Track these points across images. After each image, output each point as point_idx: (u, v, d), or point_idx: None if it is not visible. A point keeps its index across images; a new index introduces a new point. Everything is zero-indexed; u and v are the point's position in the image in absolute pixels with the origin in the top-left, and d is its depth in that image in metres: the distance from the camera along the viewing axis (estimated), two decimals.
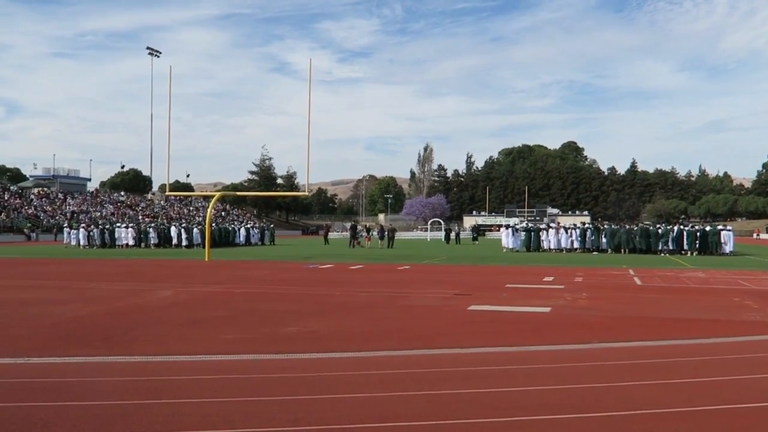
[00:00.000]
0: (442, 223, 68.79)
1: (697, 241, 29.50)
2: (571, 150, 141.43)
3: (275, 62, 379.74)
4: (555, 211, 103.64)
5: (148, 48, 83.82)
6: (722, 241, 29.26)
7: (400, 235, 50.87)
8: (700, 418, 4.57)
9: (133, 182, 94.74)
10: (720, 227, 31.31)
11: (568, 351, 7.14)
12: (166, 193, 34.65)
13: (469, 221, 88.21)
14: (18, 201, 63.24)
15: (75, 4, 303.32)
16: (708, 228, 31.02)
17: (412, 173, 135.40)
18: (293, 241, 54.66)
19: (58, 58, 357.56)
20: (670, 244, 29.65)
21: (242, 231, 43.91)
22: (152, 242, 37.94)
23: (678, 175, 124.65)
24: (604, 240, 31.32)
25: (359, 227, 44.76)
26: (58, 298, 12.11)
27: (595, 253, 30.63)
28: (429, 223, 70.28)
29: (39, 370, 6.10)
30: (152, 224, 41.47)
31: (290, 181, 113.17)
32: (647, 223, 41.66)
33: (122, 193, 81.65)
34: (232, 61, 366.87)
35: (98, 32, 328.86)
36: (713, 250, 29.06)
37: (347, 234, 44.33)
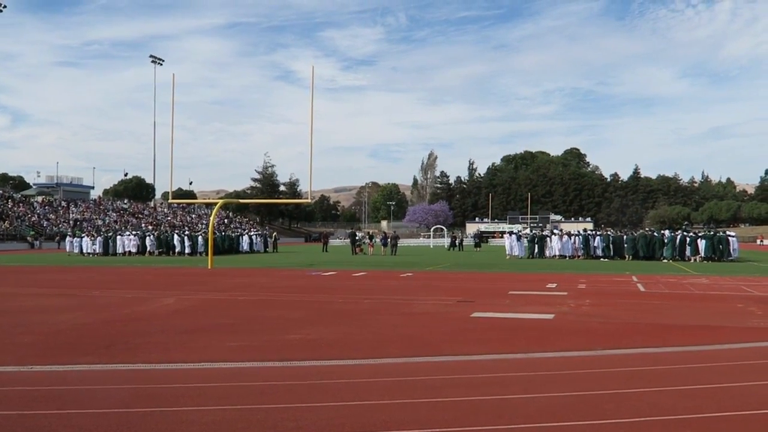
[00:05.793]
0: (445, 229, 68.72)
1: (702, 245, 29.37)
2: (574, 156, 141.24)
3: (279, 70, 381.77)
4: (558, 217, 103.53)
5: (151, 56, 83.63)
6: (730, 247, 29.16)
7: (402, 242, 50.88)
8: (705, 425, 4.55)
9: (136, 190, 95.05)
10: (726, 233, 31.18)
11: (571, 358, 7.12)
12: (169, 201, 34.71)
13: (471, 228, 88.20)
14: (21, 209, 63.43)
15: (81, 13, 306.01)
16: (718, 233, 30.83)
17: (415, 180, 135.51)
18: (296, 249, 54.68)
19: (63, 67, 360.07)
20: (674, 250, 29.54)
21: (245, 238, 43.93)
22: (155, 250, 38.00)
23: (681, 181, 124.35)
24: (610, 246, 31.19)
25: (359, 234, 44.83)
26: (61, 305, 12.12)
27: (603, 259, 30.49)
28: (432, 230, 70.17)
29: (42, 378, 6.11)
30: (154, 232, 41.50)
31: (293, 189, 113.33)
32: (650, 229, 41.53)
33: (125, 201, 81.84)
34: (236, 70, 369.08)
35: (104, 41, 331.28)
36: (719, 257, 28.96)
37: (348, 241, 44.42)
